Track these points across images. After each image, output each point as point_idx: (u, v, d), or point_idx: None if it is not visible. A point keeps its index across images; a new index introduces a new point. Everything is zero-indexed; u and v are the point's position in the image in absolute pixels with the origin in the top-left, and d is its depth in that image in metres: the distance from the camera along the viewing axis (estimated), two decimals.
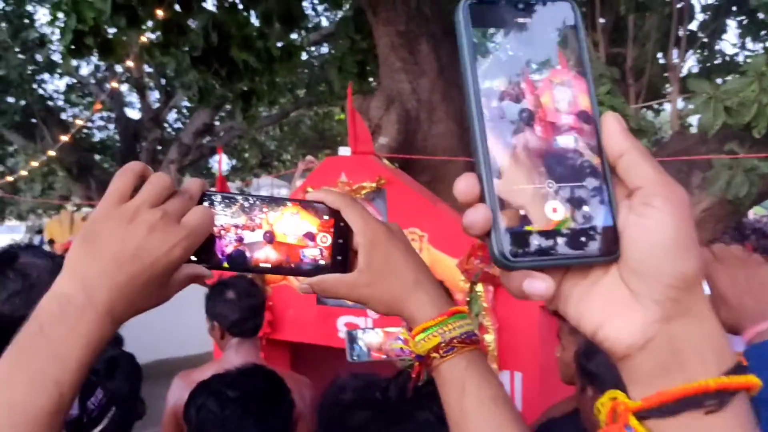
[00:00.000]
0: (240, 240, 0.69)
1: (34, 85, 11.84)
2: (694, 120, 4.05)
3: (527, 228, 0.45)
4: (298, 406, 2.23)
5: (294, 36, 9.32)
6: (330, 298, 0.75)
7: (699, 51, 6.62)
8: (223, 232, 0.69)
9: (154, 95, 14.51)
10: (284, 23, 5.20)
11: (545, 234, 0.44)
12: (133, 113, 15.03)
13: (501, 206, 0.45)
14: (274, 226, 0.71)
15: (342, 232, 0.74)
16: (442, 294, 0.78)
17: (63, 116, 13.26)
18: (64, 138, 6.90)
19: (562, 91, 0.46)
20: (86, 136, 14.82)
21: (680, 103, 5.13)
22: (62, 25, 3.92)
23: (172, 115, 15.50)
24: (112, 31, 4.61)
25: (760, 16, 4.83)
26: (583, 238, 0.45)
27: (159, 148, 13.35)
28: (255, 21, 5.61)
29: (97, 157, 14.82)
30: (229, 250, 0.69)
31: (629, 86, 4.65)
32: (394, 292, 0.75)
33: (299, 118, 15.70)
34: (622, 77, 4.75)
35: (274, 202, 0.71)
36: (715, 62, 6.45)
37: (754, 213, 15.15)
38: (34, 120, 11.93)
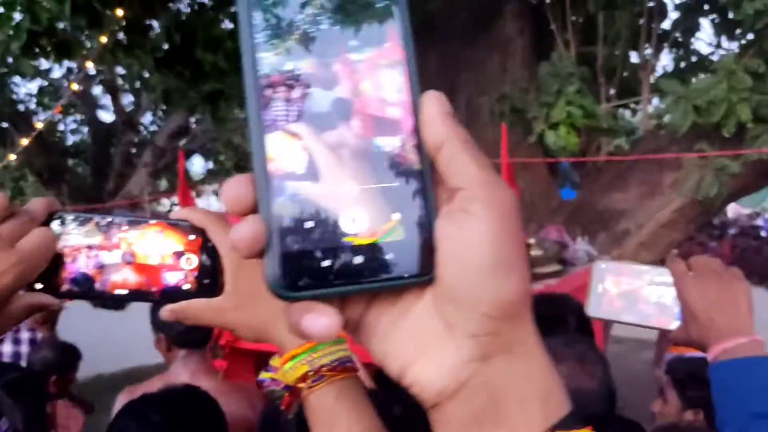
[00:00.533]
0: (94, 263, 0.61)
1: (5, 88, 11.61)
2: (667, 119, 4.00)
3: (313, 246, 0.34)
4: (250, 417, 2.14)
5: None
6: (198, 324, 0.67)
7: (675, 50, 6.62)
8: (74, 255, 0.60)
9: (129, 98, 14.32)
10: None
11: (337, 253, 0.34)
12: (108, 116, 14.83)
13: (281, 218, 0.34)
14: (133, 246, 0.62)
15: (210, 253, 0.66)
16: None
17: (35, 120, 13.00)
18: (25, 141, 6.74)
19: (387, 75, 0.36)
20: (59, 140, 14.58)
21: (656, 102, 5.11)
22: (16, 24, 3.80)
23: (147, 118, 15.31)
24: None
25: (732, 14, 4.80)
26: (389, 256, 0.35)
27: (133, 151, 13.15)
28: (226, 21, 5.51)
29: (70, 161, 14.58)
30: (78, 274, 0.60)
31: (600, 85, 4.61)
32: (262, 316, 0.70)
33: None
34: (594, 77, 4.71)
35: (135, 220, 0.64)
36: (692, 61, 6.44)
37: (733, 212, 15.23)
38: (5, 124, 11.70)
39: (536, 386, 0.36)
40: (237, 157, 17.01)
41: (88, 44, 5.09)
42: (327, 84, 0.36)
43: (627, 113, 9.69)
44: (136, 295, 0.63)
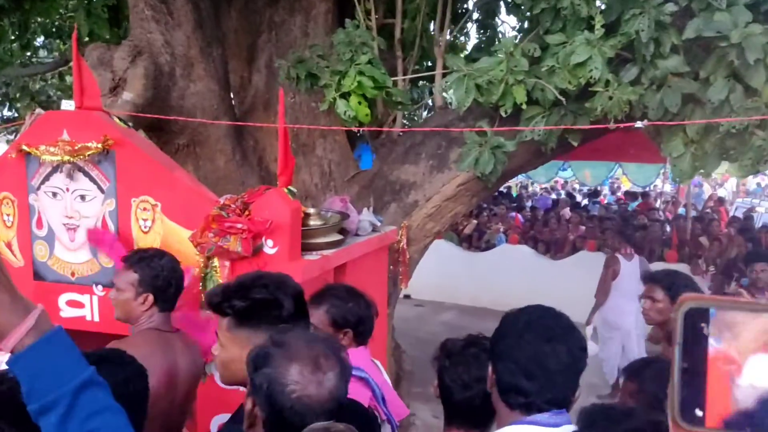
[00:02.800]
0: None
1: None
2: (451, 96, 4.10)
3: None
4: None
5: None
6: None
7: (482, 31, 6.89)
8: None
9: None
10: None
11: None
12: None
13: None
14: None
15: None
16: None
17: None
18: None
19: None
20: None
21: None
22: None
23: None
24: None
25: None
26: None
27: None
28: None
29: None
30: None
31: (398, 58, 4.65)
32: None
33: None
34: (391, 49, 4.73)
35: None
36: (493, 42, 6.75)
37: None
38: None
39: None
40: (36, 104, 15.45)
41: None
42: None
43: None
44: None
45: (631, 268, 6.11)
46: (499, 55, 3.75)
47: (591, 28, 3.52)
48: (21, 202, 3.06)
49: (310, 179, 4.81)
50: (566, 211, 10.81)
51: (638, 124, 3.52)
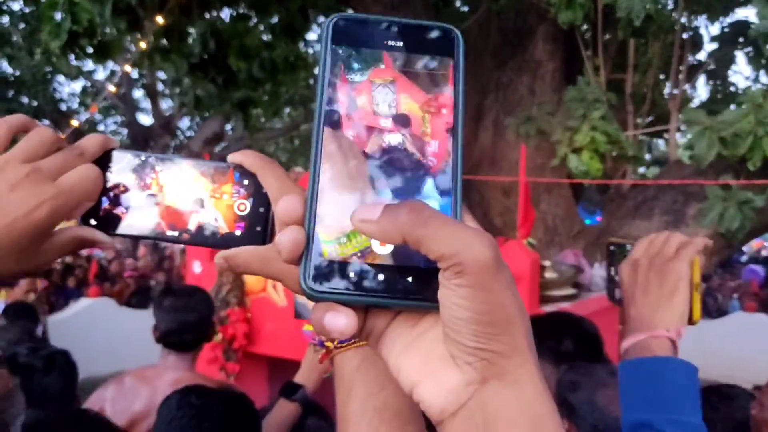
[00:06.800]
0: (134, 204, 0.59)
1: (48, 87, 11.95)
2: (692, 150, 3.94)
3: (342, 257, 0.40)
4: None
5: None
6: (245, 273, 0.64)
7: (712, 81, 6.54)
8: (119, 194, 0.59)
9: (168, 102, 14.64)
10: (286, 35, 5.19)
11: (362, 266, 0.40)
12: (147, 119, 15.19)
13: (320, 232, 0.41)
14: (169, 189, 0.60)
15: (262, 200, 0.62)
16: None
17: (75, 119, 13.38)
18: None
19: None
20: None
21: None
22: (57, 24, 3.93)
23: (185, 123, 15.65)
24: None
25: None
26: (408, 278, 0.40)
27: None
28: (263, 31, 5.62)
29: None
30: (121, 213, 0.59)
31: (629, 113, 4.58)
32: None
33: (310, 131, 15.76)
34: (623, 103, 4.68)
35: (190, 163, 0.61)
36: (728, 93, 6.35)
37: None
38: (45, 122, 12.06)
39: (528, 412, 0.39)
40: None
41: (131, 48, 5.23)
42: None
43: (661, 143, 9.54)
44: (192, 238, 0.60)
45: None
46: (745, 107, 3.56)
47: None
48: None
49: (535, 234, 4.84)
50: None
51: None
